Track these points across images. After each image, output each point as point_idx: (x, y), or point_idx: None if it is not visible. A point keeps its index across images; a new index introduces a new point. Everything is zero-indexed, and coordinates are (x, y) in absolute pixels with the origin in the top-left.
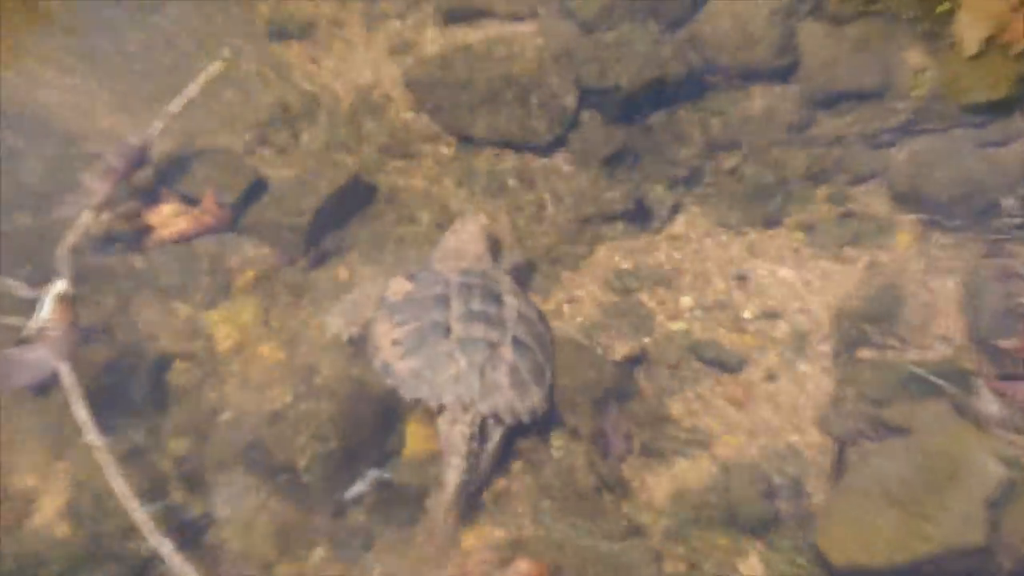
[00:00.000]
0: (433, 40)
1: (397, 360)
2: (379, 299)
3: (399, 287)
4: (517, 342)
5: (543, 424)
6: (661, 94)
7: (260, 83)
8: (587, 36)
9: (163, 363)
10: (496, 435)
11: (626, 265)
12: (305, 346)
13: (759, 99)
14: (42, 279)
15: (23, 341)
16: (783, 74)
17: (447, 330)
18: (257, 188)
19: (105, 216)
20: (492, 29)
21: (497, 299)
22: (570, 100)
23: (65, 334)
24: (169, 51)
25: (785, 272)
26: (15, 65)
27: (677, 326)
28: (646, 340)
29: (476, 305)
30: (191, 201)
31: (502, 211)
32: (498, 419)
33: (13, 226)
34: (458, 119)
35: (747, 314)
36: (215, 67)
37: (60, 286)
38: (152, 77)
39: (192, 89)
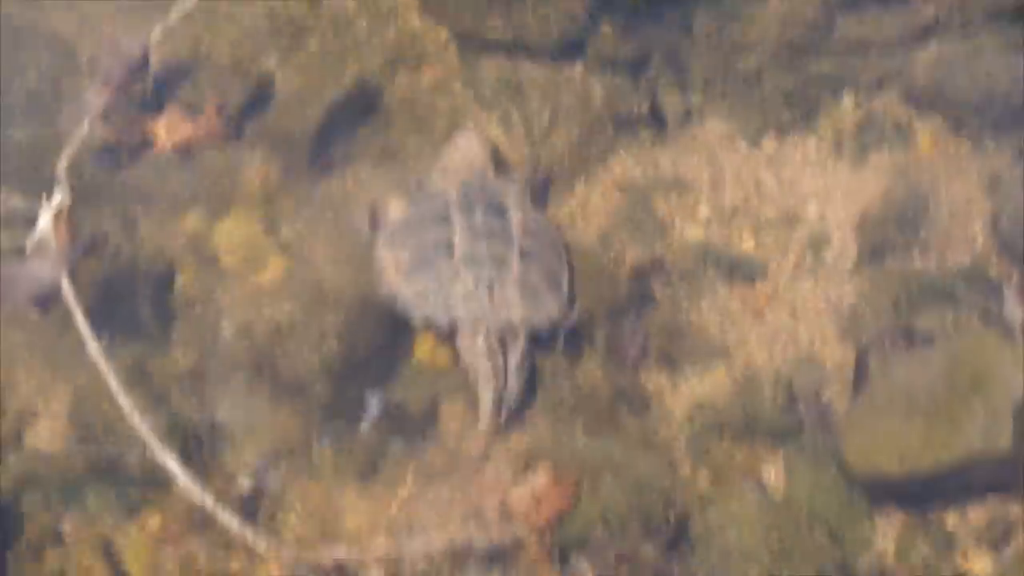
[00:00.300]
0: None
1: (403, 284)
2: (377, 214)
3: (396, 206)
4: (525, 253)
5: (564, 334)
6: None
7: None
8: None
9: (166, 276)
10: (516, 350)
11: (641, 172)
12: (311, 257)
13: (778, 1)
14: (41, 193)
15: (22, 256)
16: None
17: (450, 248)
18: (261, 96)
19: (104, 127)
20: None
21: (501, 211)
22: (583, 2)
23: (65, 248)
24: None
25: (805, 178)
26: None
27: (694, 234)
28: (662, 249)
29: (478, 219)
30: (193, 110)
31: (513, 118)
32: (514, 332)
33: (11, 139)
34: (467, 23)
35: (766, 221)
36: None
37: (58, 199)
38: None
39: None
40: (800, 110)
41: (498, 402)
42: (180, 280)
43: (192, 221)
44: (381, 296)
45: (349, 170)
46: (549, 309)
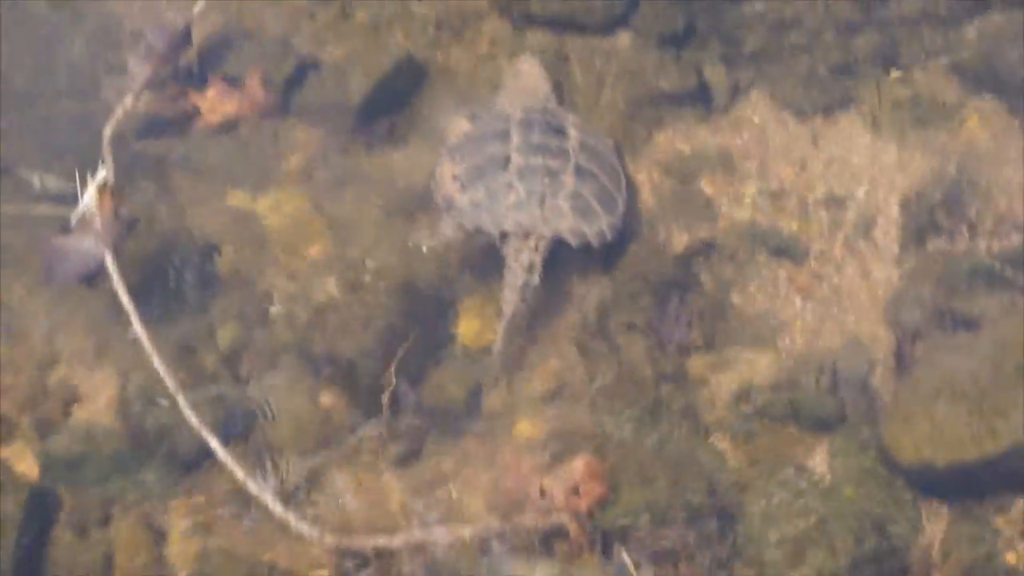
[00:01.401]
0: None
1: (457, 194)
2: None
3: (460, 127)
4: (580, 169)
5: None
6: None
7: None
8: None
9: (210, 252)
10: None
11: (687, 150)
12: (356, 235)
13: None
14: (84, 166)
15: (67, 231)
16: None
17: (506, 161)
18: (305, 69)
19: (148, 100)
20: None
21: (559, 131)
22: None
23: (109, 223)
24: None
25: (852, 157)
26: None
27: (740, 214)
28: (708, 229)
29: (536, 137)
30: (238, 83)
31: (558, 91)
32: (563, 241)
33: (55, 111)
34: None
35: (812, 201)
36: None
37: (102, 174)
38: None
39: None
40: (847, 87)
41: (516, 316)
42: (224, 255)
43: (237, 196)
44: (436, 204)
45: (394, 143)
46: (601, 224)
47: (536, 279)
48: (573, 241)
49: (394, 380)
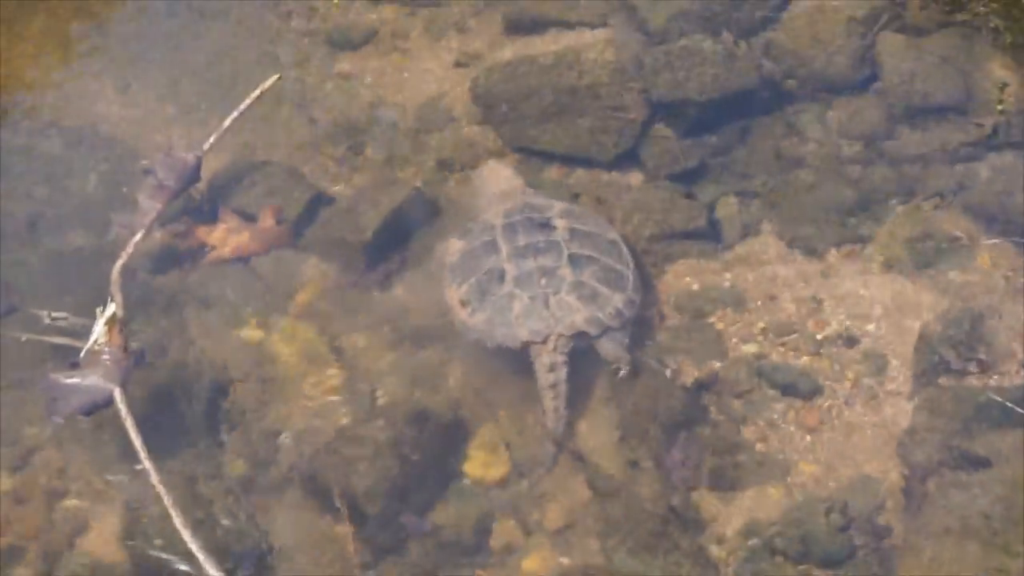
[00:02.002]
0: (499, 51)
1: (469, 318)
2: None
3: (454, 247)
4: (574, 258)
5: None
6: (734, 106)
7: (320, 95)
8: (658, 46)
9: (220, 385)
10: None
11: (696, 285)
12: (365, 368)
13: (836, 112)
14: (95, 299)
15: (75, 365)
16: (861, 86)
17: (502, 273)
18: (317, 204)
19: (161, 234)
20: (560, 39)
21: (544, 226)
22: (640, 113)
23: (118, 358)
24: (227, 63)
25: (862, 293)
26: (71, 77)
27: (749, 349)
28: (717, 364)
29: (522, 240)
30: (249, 218)
31: None
32: (583, 334)
33: (67, 244)
34: (524, 132)
35: (822, 337)
36: (270, 80)
37: (112, 308)
38: (209, 89)
39: (247, 102)
40: (858, 224)
41: (559, 413)
42: (234, 388)
43: (248, 329)
44: (457, 332)
45: (403, 277)
46: (615, 303)
47: (563, 376)
48: (591, 330)
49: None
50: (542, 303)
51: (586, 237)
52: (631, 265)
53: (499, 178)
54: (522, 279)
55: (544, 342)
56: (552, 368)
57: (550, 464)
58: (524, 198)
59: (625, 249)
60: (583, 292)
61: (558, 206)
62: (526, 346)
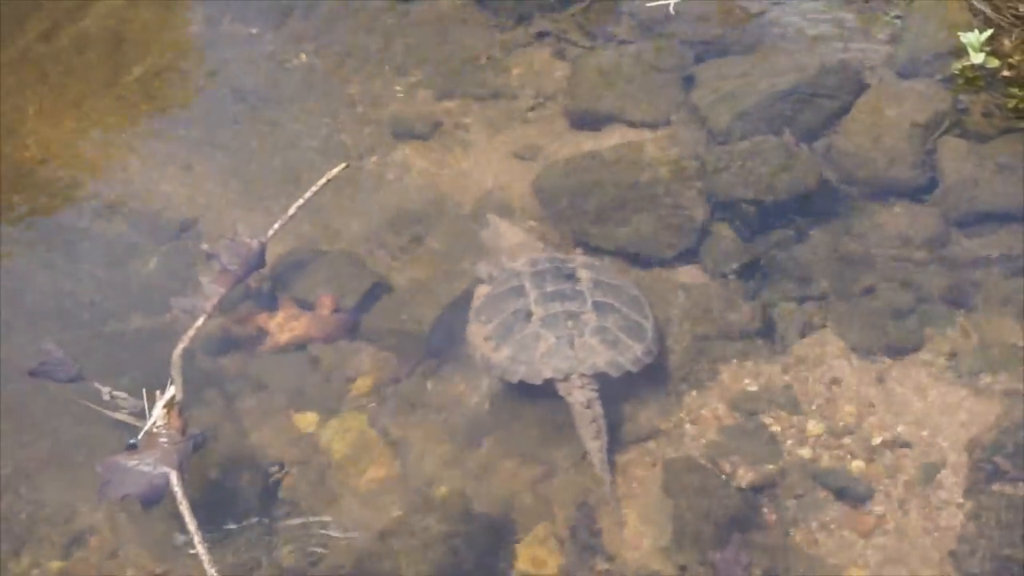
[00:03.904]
0: (560, 145)
1: (492, 353)
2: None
3: (481, 292)
4: (599, 305)
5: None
6: (795, 207)
7: (382, 185)
8: (719, 145)
9: (274, 473)
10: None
11: (752, 386)
12: (419, 460)
13: (896, 216)
14: (152, 381)
15: (133, 447)
16: (921, 191)
17: (528, 315)
18: (376, 293)
19: (219, 318)
20: (621, 135)
21: (570, 276)
22: (699, 211)
23: (175, 442)
24: (291, 149)
25: (917, 398)
26: (136, 158)
27: (803, 452)
28: (770, 466)
29: (549, 286)
30: (307, 305)
31: None
32: (602, 376)
33: (126, 326)
34: (584, 227)
35: (877, 442)
36: (337, 169)
37: (171, 392)
38: (273, 175)
39: (313, 190)
40: (915, 328)
41: (604, 444)
42: (287, 477)
43: (302, 417)
44: (476, 365)
45: (461, 369)
46: (634, 351)
47: (600, 412)
48: (612, 372)
49: None
50: (567, 344)
51: (609, 288)
52: (651, 318)
53: (507, 232)
54: (549, 321)
55: (566, 379)
56: (589, 404)
57: (611, 497)
58: (548, 252)
59: (646, 303)
60: (606, 336)
61: (580, 259)
62: (547, 383)
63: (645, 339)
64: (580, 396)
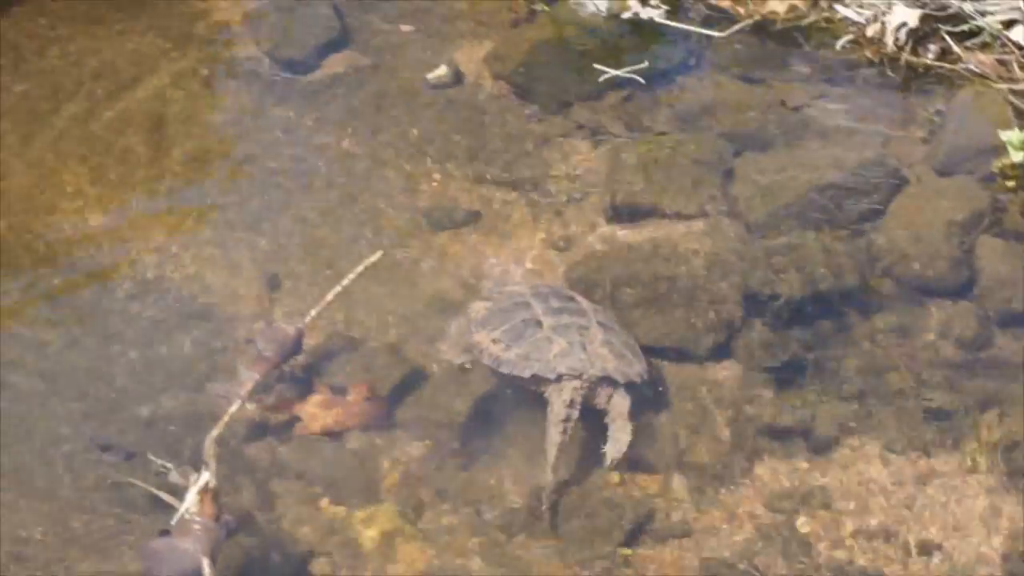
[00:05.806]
0: (595, 236)
1: (503, 352)
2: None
3: (479, 306)
4: (602, 324)
5: None
6: (832, 305)
7: (419, 273)
8: (756, 240)
9: (305, 560)
10: (624, 399)
11: (787, 484)
12: (450, 552)
13: (934, 315)
14: (187, 466)
15: (166, 533)
16: (959, 290)
17: (539, 323)
18: (411, 382)
19: (254, 404)
20: (658, 228)
21: (571, 299)
22: (735, 306)
23: (209, 528)
24: (329, 235)
25: (953, 501)
26: (171, 240)
27: (838, 553)
28: (805, 567)
29: (555, 303)
30: (342, 393)
31: (662, 421)
32: (611, 381)
33: (161, 409)
34: (617, 320)
35: (913, 545)
36: (374, 257)
37: (206, 477)
38: (309, 261)
39: (351, 277)
40: (951, 430)
41: (563, 446)
42: (318, 567)
43: (334, 506)
44: (484, 366)
45: (496, 460)
46: (638, 367)
47: (576, 414)
48: (620, 379)
49: None
50: (579, 348)
51: (607, 318)
52: (643, 360)
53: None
54: (559, 328)
55: (579, 377)
56: (571, 404)
57: (547, 491)
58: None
59: (637, 345)
60: (613, 348)
61: (577, 295)
62: (559, 379)
63: (643, 362)
64: (568, 395)
